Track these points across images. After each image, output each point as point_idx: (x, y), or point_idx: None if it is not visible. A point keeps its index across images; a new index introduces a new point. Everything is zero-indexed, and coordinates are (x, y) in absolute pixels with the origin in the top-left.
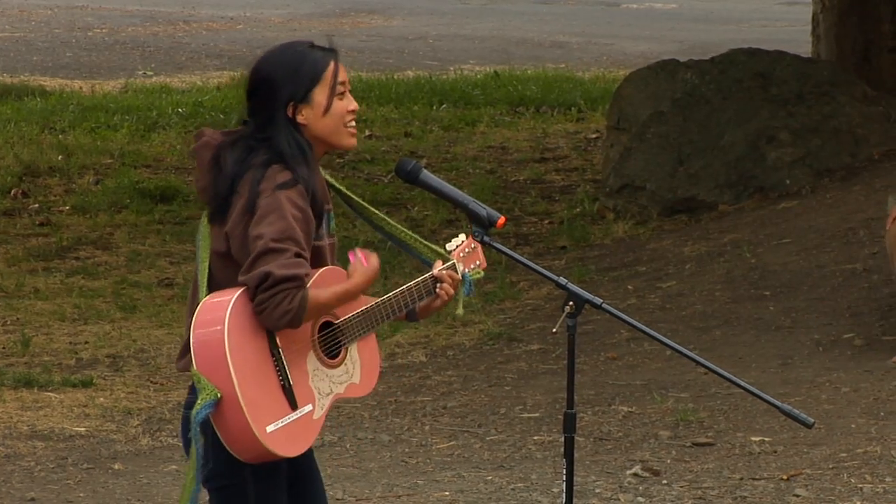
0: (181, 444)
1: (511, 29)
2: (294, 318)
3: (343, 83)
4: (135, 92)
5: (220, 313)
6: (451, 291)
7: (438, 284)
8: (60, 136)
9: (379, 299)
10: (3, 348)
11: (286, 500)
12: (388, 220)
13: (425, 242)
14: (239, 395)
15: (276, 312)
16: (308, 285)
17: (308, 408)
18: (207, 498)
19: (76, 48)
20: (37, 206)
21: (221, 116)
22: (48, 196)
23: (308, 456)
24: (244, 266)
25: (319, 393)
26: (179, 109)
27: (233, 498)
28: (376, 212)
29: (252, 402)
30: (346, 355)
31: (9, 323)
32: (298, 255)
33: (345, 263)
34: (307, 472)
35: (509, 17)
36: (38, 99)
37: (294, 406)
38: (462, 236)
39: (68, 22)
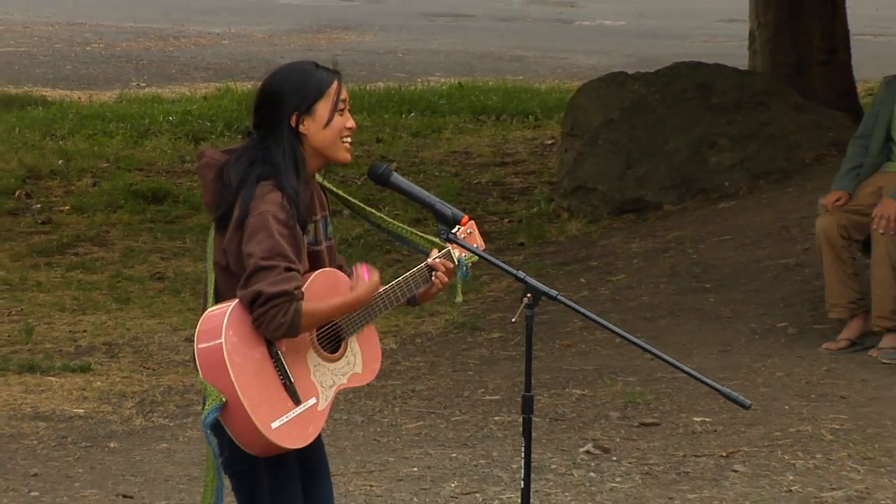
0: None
1: (474, 44)
2: (289, 329)
3: (344, 101)
4: (129, 101)
5: (218, 325)
6: (445, 279)
7: (433, 273)
8: (61, 142)
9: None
10: (8, 337)
11: (299, 489)
12: (385, 217)
13: (421, 234)
14: (241, 397)
15: (272, 325)
16: (304, 298)
17: (312, 401)
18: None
19: (75, 61)
20: (39, 206)
21: (208, 124)
22: (49, 197)
23: (319, 452)
24: (241, 281)
25: (322, 386)
26: (170, 117)
27: (248, 481)
28: (373, 211)
29: (255, 402)
30: (346, 348)
31: (13, 313)
32: (289, 269)
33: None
34: (315, 467)
35: (472, 32)
36: (40, 108)
37: (297, 401)
38: (457, 226)
39: (68, 37)
